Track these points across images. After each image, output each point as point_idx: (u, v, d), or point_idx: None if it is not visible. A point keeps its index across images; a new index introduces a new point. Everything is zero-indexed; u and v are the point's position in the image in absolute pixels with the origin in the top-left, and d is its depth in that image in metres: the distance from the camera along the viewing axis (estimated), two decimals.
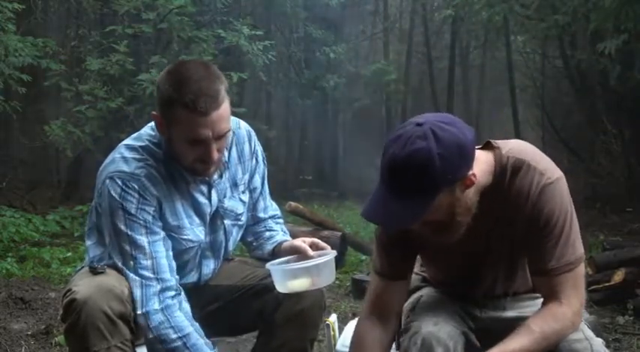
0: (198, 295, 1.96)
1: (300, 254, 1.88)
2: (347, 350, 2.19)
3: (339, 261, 5.57)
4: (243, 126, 1.98)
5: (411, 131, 1.41)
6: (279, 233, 2.05)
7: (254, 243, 2.07)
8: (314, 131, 14.60)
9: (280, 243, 1.99)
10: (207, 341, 1.75)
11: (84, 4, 9.37)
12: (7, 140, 10.11)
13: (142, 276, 1.71)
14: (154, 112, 1.73)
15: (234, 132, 1.91)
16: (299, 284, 1.75)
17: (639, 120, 8.85)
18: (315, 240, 1.93)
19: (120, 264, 1.74)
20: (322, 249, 1.89)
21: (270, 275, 1.84)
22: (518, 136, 12.91)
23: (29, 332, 3.44)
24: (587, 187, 9.29)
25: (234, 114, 1.83)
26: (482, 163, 1.52)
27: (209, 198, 1.85)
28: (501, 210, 1.55)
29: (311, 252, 1.86)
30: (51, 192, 9.73)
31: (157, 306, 1.70)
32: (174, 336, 1.70)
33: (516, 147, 1.58)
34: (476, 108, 18.13)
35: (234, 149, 1.92)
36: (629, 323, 3.85)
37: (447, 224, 1.50)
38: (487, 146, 1.59)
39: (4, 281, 4.47)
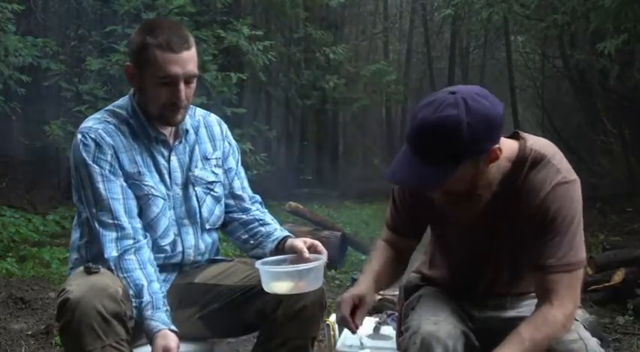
0: (199, 295, 1.97)
1: (297, 254, 1.89)
2: (347, 350, 2.19)
3: (339, 261, 5.56)
4: (214, 116, 2.13)
5: (443, 98, 1.44)
6: (274, 227, 2.06)
7: (251, 241, 2.06)
8: (314, 131, 14.57)
9: (283, 241, 1.99)
10: (155, 289, 1.77)
11: (84, 4, 9.36)
12: (7, 140, 10.09)
13: (101, 223, 1.81)
14: (127, 63, 1.88)
15: (203, 117, 2.07)
16: (280, 287, 1.79)
17: (639, 120, 8.85)
18: (316, 242, 1.94)
19: (85, 215, 1.87)
20: (318, 253, 1.91)
21: None
22: None
23: (29, 332, 3.45)
24: (587, 187, 9.27)
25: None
26: (505, 149, 1.54)
27: (168, 161, 1.93)
28: (512, 200, 1.56)
29: (307, 254, 1.88)
30: (51, 192, 9.70)
31: (114, 253, 1.79)
32: (121, 275, 1.77)
33: (541, 143, 1.60)
34: None
35: (203, 129, 2.04)
36: (629, 323, 3.85)
37: (466, 196, 1.53)
38: (514, 136, 1.61)
39: (4, 281, 4.47)
